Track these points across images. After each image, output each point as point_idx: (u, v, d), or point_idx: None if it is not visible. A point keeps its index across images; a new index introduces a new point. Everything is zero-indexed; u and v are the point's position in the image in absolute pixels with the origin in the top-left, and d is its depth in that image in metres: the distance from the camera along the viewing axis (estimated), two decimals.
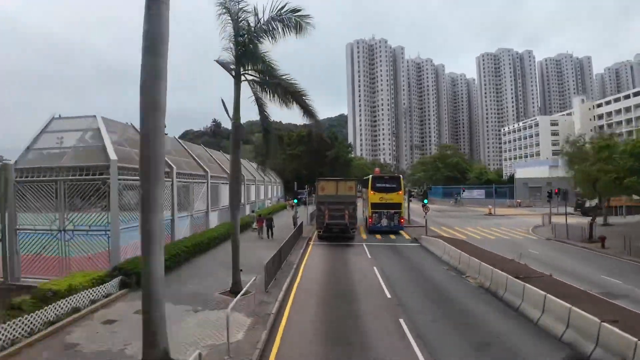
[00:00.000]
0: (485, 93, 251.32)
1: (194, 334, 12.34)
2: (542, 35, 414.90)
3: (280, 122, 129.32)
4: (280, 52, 24.38)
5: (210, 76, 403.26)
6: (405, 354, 11.36)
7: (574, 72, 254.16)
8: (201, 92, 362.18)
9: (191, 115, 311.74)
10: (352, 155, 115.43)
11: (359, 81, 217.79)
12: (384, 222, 36.88)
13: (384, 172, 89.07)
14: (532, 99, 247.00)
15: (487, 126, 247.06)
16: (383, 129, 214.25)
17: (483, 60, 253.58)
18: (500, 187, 77.22)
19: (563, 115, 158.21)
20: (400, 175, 42.04)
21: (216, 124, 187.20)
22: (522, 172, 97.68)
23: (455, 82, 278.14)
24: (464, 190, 75.38)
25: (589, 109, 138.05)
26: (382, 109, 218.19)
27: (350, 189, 32.79)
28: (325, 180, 33.77)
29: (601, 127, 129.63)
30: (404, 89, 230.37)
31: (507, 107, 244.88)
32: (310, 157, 79.36)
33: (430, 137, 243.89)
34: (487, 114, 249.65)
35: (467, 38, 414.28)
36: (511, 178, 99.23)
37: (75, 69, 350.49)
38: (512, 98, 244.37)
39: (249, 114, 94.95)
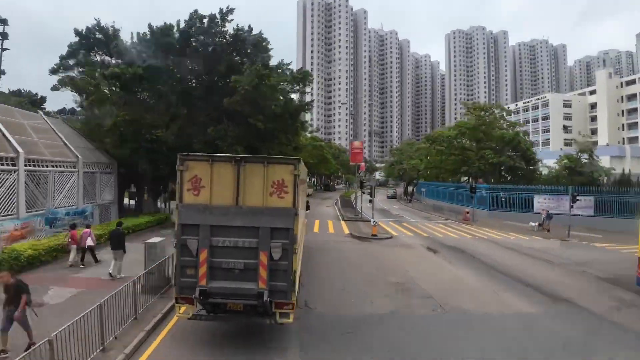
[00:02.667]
0: (455, 75, 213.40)
1: None
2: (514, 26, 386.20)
3: None
4: None
5: None
6: None
7: (548, 60, 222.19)
8: None
9: None
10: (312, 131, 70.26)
11: (312, 46, 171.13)
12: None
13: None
14: (506, 84, 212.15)
15: (456, 111, 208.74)
16: (340, 108, 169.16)
17: (454, 38, 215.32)
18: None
19: (576, 94, 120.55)
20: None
21: None
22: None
23: (419, 64, 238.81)
24: (576, 198, 28.30)
25: (617, 86, 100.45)
26: (340, 83, 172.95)
27: (281, 190, 8.48)
28: (204, 162, 8.61)
29: (634, 110, 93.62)
30: (365, 63, 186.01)
31: (478, 91, 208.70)
32: (200, 104, 29.17)
33: (391, 123, 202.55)
34: (456, 98, 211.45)
35: (435, 18, 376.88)
36: None
37: None
38: (484, 82, 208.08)
39: None
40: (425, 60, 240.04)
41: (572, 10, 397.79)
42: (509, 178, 45.88)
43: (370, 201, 36.72)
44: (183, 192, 8.74)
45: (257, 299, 8.50)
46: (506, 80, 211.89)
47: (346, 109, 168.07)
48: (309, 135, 68.09)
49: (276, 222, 8.59)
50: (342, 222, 35.33)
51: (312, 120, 74.97)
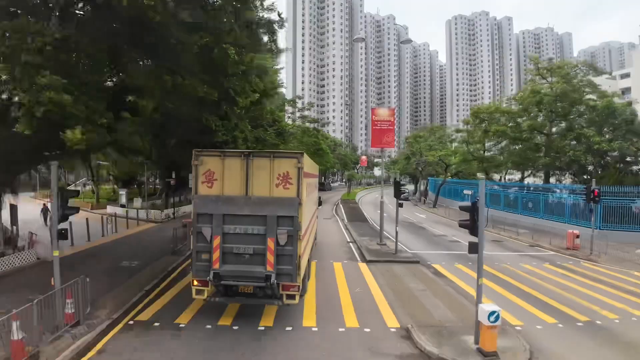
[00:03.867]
0: (457, 64, 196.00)
1: None
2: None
3: None
4: None
5: None
6: None
7: (554, 49, 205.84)
8: None
9: None
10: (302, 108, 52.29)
11: (303, 29, 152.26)
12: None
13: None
14: (511, 74, 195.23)
15: (458, 103, 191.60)
16: (334, 97, 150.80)
17: (455, 24, 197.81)
18: None
19: (604, 78, 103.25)
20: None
21: None
22: None
23: (417, 53, 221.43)
24: None
25: None
26: (334, 70, 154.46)
27: (286, 181, 9.74)
28: (217, 157, 10.00)
29: None
30: (361, 49, 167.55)
31: (482, 80, 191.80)
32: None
33: None
34: (457, 89, 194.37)
35: (433, 7, 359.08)
36: None
37: None
38: (488, 71, 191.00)
39: None
40: (424, 50, 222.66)
41: (571, 6, 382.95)
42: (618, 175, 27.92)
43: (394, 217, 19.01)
44: (198, 184, 9.92)
45: (265, 281, 9.57)
46: (511, 70, 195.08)
47: (341, 97, 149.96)
48: (296, 114, 50.10)
49: (282, 210, 9.70)
50: (367, 275, 16.32)
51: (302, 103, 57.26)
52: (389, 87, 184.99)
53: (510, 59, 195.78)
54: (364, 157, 79.14)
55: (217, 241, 9.65)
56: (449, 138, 53.98)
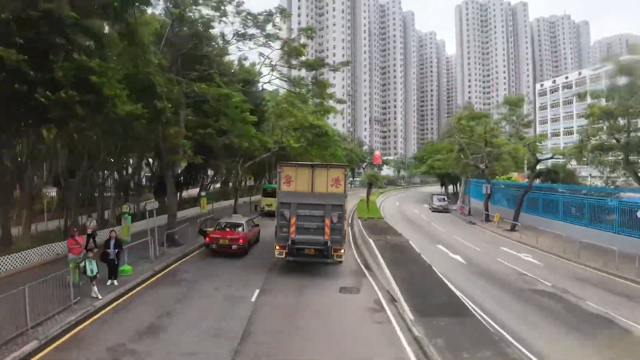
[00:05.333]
0: (469, 53, 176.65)
1: None
2: None
3: None
4: None
5: None
6: None
7: (570, 37, 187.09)
8: None
9: None
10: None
11: (299, 8, 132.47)
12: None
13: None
14: (527, 63, 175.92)
15: (469, 95, 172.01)
16: (334, 86, 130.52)
17: (467, 9, 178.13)
18: None
19: None
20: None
21: None
22: None
23: (423, 43, 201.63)
24: None
25: None
26: (334, 55, 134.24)
27: (337, 183, 16.36)
28: (292, 167, 17.00)
29: None
30: (365, 33, 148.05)
31: (496, 70, 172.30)
32: None
33: (395, 108, 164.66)
34: (469, 79, 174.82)
35: None
36: None
37: None
38: (503, 60, 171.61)
39: None
40: (431, 39, 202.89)
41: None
42: None
43: None
44: (281, 184, 16.11)
45: (323, 245, 15.65)
46: (527, 58, 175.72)
47: (342, 87, 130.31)
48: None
49: (334, 201, 15.86)
50: None
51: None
52: (395, 77, 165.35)
53: (527, 47, 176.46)
54: (377, 152, 60.96)
55: (293, 220, 15.80)
56: (521, 121, 34.54)
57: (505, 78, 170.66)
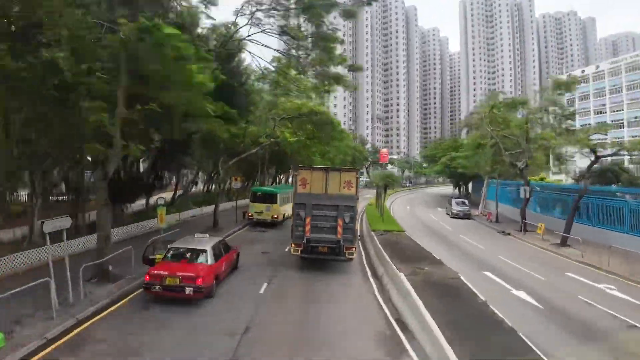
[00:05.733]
0: (473, 49, 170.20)
1: None
2: None
3: None
4: None
5: None
6: None
7: (577, 34, 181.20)
8: None
9: None
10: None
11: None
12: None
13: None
14: (533, 60, 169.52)
15: (475, 93, 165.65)
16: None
17: (471, 4, 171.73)
18: None
19: None
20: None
21: None
22: None
23: (426, 39, 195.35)
24: None
25: None
26: (335, 51, 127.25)
27: (349, 185, 17.30)
28: (308, 170, 18.14)
29: None
30: (367, 27, 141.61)
31: (502, 67, 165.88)
32: None
33: (397, 106, 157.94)
34: (474, 77, 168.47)
35: None
36: None
37: None
38: (509, 57, 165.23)
39: None
40: (434, 36, 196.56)
41: None
42: None
43: None
44: (297, 186, 17.06)
45: (336, 243, 16.27)
46: (533, 55, 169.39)
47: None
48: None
49: (346, 202, 16.56)
50: None
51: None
52: (397, 74, 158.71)
53: (533, 44, 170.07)
54: (384, 150, 54.79)
55: (308, 219, 16.44)
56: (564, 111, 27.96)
57: (511, 75, 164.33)
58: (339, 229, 16.31)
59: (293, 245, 16.70)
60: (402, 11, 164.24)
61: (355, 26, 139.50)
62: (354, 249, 16.60)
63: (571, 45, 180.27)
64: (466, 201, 39.13)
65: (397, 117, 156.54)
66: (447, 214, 39.79)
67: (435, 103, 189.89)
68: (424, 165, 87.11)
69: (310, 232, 16.41)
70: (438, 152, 54.98)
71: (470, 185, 53.31)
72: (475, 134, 34.81)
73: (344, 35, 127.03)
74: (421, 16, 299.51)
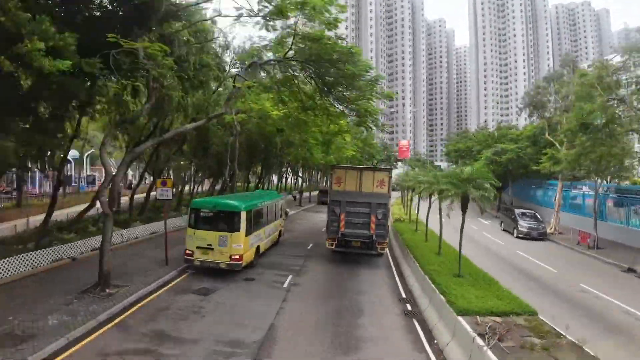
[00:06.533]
0: (484, 40, 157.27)
1: None
2: None
3: None
4: None
5: None
6: None
7: (591, 25, 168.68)
8: None
9: None
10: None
11: None
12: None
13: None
14: (547, 52, 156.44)
15: (486, 87, 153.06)
16: None
17: None
18: None
19: None
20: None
21: None
22: None
23: (431, 31, 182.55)
24: None
25: None
26: (338, 41, 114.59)
27: (382, 184, 17.84)
28: (342, 169, 18.95)
29: None
30: (371, 13, 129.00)
31: (515, 59, 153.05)
32: None
33: (403, 100, 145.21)
34: (485, 70, 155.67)
35: None
36: None
37: None
38: (523, 50, 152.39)
39: None
40: (440, 28, 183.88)
41: None
42: None
43: None
44: (332, 184, 17.81)
45: (369, 238, 17.10)
46: (548, 48, 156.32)
47: None
48: None
49: (379, 200, 17.26)
50: None
51: None
52: (403, 65, 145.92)
53: (547, 35, 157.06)
54: (404, 142, 44.11)
55: (342, 216, 17.10)
56: None
57: (524, 67, 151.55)
58: (372, 225, 17.26)
59: (328, 240, 17.79)
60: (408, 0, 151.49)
61: (359, 12, 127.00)
62: (385, 244, 17.75)
63: (585, 37, 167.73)
64: (537, 214, 26.55)
65: (403, 112, 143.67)
66: (505, 230, 27.52)
67: (442, 98, 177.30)
68: (442, 163, 74.69)
69: (345, 228, 17.35)
70: (474, 144, 42.50)
71: (509, 187, 40.68)
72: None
73: (346, 19, 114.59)
74: (426, 7, 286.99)
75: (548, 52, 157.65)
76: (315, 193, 57.23)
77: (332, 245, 17.35)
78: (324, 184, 73.58)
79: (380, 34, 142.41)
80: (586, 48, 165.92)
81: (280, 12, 13.86)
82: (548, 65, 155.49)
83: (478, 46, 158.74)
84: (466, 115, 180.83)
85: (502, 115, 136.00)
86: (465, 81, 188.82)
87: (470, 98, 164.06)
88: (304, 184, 68.84)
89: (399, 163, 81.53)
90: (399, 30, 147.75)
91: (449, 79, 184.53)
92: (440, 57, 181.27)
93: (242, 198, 16.99)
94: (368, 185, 17.26)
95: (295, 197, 47.94)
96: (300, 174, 62.06)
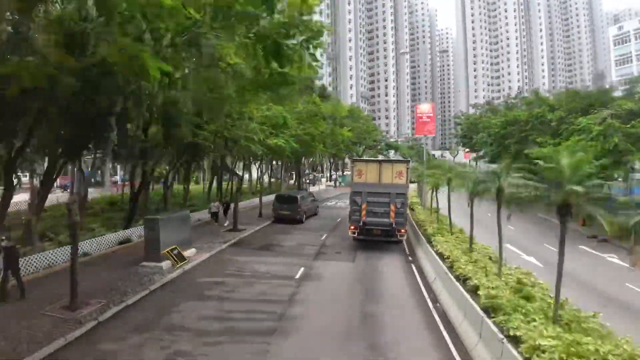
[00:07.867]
0: (473, 22, 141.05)
1: None
2: None
3: None
4: None
5: None
6: None
7: (583, 6, 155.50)
8: None
9: None
10: None
11: None
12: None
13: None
14: (541, 38, 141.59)
15: (476, 74, 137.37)
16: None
17: None
18: None
19: None
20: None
21: None
22: None
23: (413, 9, 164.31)
24: None
25: None
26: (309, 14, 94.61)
27: (400, 175, 19.56)
28: (363, 162, 21.22)
29: None
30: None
31: (508, 44, 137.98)
32: None
33: (386, 82, 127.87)
34: (475, 54, 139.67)
35: None
36: None
37: None
38: (515, 34, 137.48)
39: None
40: (422, 4, 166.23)
41: None
42: None
43: None
44: (354, 176, 19.42)
45: (389, 226, 18.56)
46: (541, 32, 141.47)
47: (323, 50, 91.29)
48: None
49: (398, 190, 18.66)
50: None
51: None
52: (385, 43, 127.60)
53: (540, 19, 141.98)
54: (425, 106, 30.12)
55: (364, 206, 18.65)
56: None
57: (517, 54, 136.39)
58: (392, 214, 18.68)
59: (351, 228, 19.38)
60: None
61: None
62: (404, 231, 19.23)
63: (577, 17, 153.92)
64: None
65: (386, 95, 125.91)
66: None
67: (426, 82, 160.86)
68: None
69: (366, 216, 18.86)
70: (499, 129, 25.95)
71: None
72: None
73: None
74: None
75: (541, 39, 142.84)
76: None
77: (354, 234, 19.40)
78: (294, 182, 54.78)
79: (359, 6, 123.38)
80: (578, 27, 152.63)
81: None
82: (542, 52, 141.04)
83: (466, 26, 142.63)
84: (449, 97, 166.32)
85: (494, 98, 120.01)
86: (448, 65, 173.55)
87: (460, 80, 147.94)
88: (270, 180, 51.15)
89: (392, 152, 64.25)
90: (380, 2, 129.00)
91: (432, 61, 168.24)
92: (423, 37, 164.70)
93: None
94: (387, 177, 19.13)
95: (214, 214, 25.34)
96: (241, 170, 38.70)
